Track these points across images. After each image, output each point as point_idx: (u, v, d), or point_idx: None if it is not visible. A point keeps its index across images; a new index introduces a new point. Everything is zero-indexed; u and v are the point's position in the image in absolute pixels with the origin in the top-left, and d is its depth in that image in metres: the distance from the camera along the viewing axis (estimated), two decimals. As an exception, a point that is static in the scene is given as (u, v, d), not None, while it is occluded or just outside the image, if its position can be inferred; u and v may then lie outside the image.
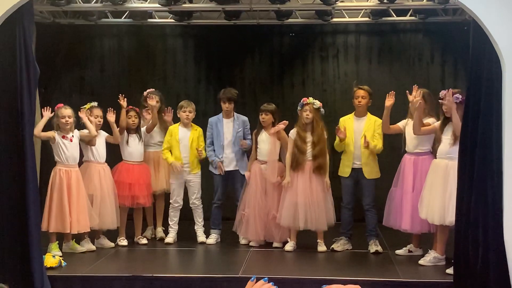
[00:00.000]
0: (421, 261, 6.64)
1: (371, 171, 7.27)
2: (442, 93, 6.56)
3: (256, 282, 1.62)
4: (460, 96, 6.39)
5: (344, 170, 7.38)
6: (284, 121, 7.48)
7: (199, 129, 7.86)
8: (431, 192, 6.48)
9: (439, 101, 6.60)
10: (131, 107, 7.79)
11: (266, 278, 1.62)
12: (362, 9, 8.84)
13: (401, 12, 8.80)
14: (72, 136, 7.16)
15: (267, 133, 7.53)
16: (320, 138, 7.24)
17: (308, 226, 7.24)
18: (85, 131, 7.28)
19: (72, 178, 7.05)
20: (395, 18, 8.87)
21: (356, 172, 7.31)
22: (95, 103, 7.52)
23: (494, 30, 5.44)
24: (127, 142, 7.69)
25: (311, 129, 7.29)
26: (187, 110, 7.74)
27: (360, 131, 7.30)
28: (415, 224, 6.79)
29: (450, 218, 6.25)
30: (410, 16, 8.85)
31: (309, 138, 7.27)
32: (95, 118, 7.43)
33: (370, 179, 7.27)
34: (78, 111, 7.31)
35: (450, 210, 6.23)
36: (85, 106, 7.47)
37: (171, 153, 7.73)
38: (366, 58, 9.35)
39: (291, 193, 7.25)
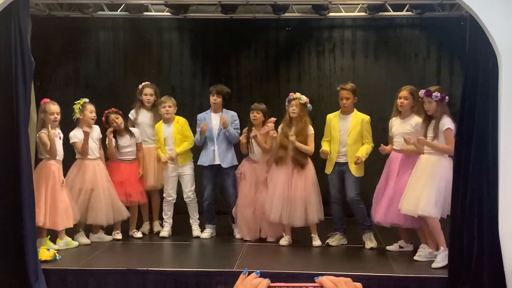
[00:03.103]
0: (416, 257, 6.63)
1: (357, 170, 7.22)
2: (421, 93, 6.54)
3: (248, 275, 1.61)
4: (439, 94, 6.39)
5: (328, 168, 7.38)
6: (271, 118, 7.46)
7: (182, 120, 7.78)
8: (412, 186, 6.49)
9: (419, 99, 6.61)
10: (106, 111, 7.68)
11: (258, 271, 1.61)
12: (358, 4, 8.83)
13: (398, 7, 8.78)
14: (59, 133, 7.12)
15: (259, 133, 7.50)
16: (301, 133, 7.22)
17: (284, 220, 7.22)
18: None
19: (56, 174, 6.99)
20: (391, 13, 8.85)
21: (340, 167, 7.28)
22: (87, 99, 7.45)
23: (491, 25, 5.44)
24: (117, 147, 7.65)
25: (295, 124, 7.28)
26: (167, 105, 7.67)
27: (346, 129, 7.26)
28: (404, 220, 6.77)
29: (420, 210, 6.30)
30: (406, 11, 8.83)
31: (293, 133, 7.26)
32: (90, 113, 7.39)
33: (353, 175, 7.24)
34: (69, 106, 7.29)
35: (421, 201, 6.28)
36: (79, 101, 7.43)
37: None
38: (363, 53, 9.34)
39: (273, 187, 7.27)
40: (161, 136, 7.68)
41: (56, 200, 6.91)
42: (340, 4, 8.83)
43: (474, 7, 5.51)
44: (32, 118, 6.38)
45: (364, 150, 7.18)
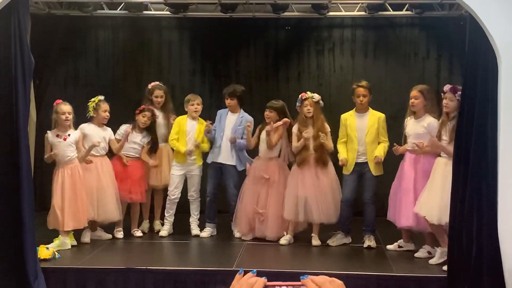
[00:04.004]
0: (431, 261, 6.50)
1: (377, 168, 7.23)
2: (446, 87, 6.46)
3: (244, 275, 1.60)
4: None
5: (347, 168, 7.32)
6: (285, 119, 7.45)
7: (205, 123, 7.81)
8: (431, 191, 6.41)
9: (442, 94, 6.56)
10: (151, 106, 7.76)
11: (254, 270, 1.60)
12: (358, 3, 8.83)
13: (397, 6, 8.79)
14: (68, 134, 7.11)
15: (269, 128, 7.50)
16: (320, 131, 7.22)
17: (321, 219, 7.24)
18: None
19: (66, 176, 7.01)
20: (391, 12, 8.86)
21: (360, 167, 7.26)
22: (102, 97, 7.48)
23: (490, 25, 5.43)
24: (127, 138, 7.66)
25: (312, 123, 7.27)
26: (195, 103, 7.75)
27: (363, 127, 7.24)
28: (417, 222, 6.73)
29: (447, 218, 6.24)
30: (406, 10, 8.83)
31: (311, 133, 7.25)
32: (104, 112, 7.40)
33: (372, 175, 7.24)
34: (71, 104, 7.31)
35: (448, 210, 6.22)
36: (93, 99, 7.42)
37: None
38: (362, 52, 9.33)
39: (299, 188, 7.24)
40: (183, 129, 7.69)
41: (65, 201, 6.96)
42: (340, 4, 8.83)
43: (474, 7, 5.50)
44: (31, 117, 6.38)
45: (382, 149, 7.19)
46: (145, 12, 9.12)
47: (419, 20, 9.08)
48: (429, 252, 6.69)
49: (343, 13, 9.02)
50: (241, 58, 9.50)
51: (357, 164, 7.27)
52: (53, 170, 7.15)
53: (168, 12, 9.05)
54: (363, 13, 9.01)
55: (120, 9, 8.99)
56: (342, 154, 7.30)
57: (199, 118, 7.84)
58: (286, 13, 8.92)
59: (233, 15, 8.91)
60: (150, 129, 7.75)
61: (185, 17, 9.18)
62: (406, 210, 6.72)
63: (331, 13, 8.97)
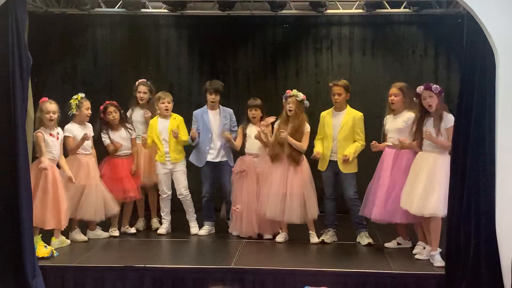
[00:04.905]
0: (418, 256, 6.60)
1: (347, 166, 7.23)
2: (420, 89, 6.47)
3: None
4: (439, 86, 6.40)
5: (321, 165, 7.38)
6: (271, 116, 7.45)
7: (179, 118, 7.78)
8: (415, 184, 6.41)
9: (415, 98, 6.55)
10: (108, 102, 7.70)
11: None
12: (356, 1, 8.85)
13: (395, 4, 8.81)
14: (58, 133, 7.10)
15: (257, 129, 7.50)
16: (297, 130, 7.23)
17: (284, 217, 7.25)
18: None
19: (55, 173, 6.98)
20: (389, 10, 8.88)
21: (334, 165, 7.29)
22: (83, 94, 7.44)
23: (488, 23, 5.44)
24: (111, 140, 7.64)
25: (292, 121, 7.28)
26: (166, 101, 7.67)
27: (338, 126, 7.27)
28: (390, 216, 6.80)
29: (430, 209, 6.25)
30: (404, 8, 8.85)
31: (289, 130, 7.26)
32: (86, 109, 7.38)
33: (347, 173, 7.26)
34: (66, 103, 7.30)
35: (431, 201, 6.23)
36: (76, 96, 7.41)
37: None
38: (360, 50, 9.34)
39: (269, 184, 7.29)
40: (156, 130, 7.66)
41: (47, 199, 6.87)
42: (338, 1, 8.86)
43: (472, 4, 5.51)
44: (29, 115, 6.38)
45: (353, 149, 7.19)
46: (142, 10, 9.12)
47: (417, 17, 9.09)
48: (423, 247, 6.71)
49: (341, 11, 9.04)
50: (239, 56, 9.50)
51: (331, 161, 7.31)
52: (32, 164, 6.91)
53: (166, 10, 9.05)
54: (361, 10, 9.02)
55: (117, 7, 9.00)
56: (317, 148, 7.34)
57: (172, 113, 7.76)
58: (284, 11, 8.94)
59: (231, 13, 8.92)
60: (124, 120, 7.74)
61: (183, 15, 9.19)
62: (390, 205, 6.75)
63: (329, 11, 8.99)
